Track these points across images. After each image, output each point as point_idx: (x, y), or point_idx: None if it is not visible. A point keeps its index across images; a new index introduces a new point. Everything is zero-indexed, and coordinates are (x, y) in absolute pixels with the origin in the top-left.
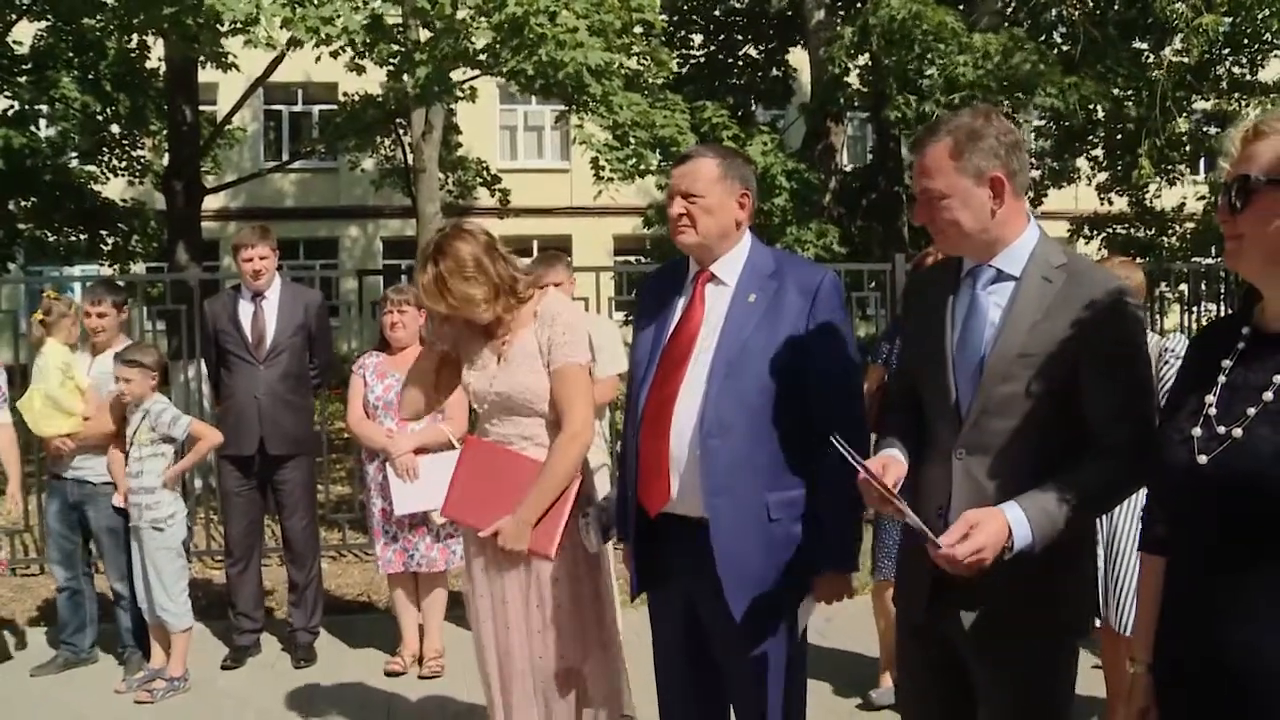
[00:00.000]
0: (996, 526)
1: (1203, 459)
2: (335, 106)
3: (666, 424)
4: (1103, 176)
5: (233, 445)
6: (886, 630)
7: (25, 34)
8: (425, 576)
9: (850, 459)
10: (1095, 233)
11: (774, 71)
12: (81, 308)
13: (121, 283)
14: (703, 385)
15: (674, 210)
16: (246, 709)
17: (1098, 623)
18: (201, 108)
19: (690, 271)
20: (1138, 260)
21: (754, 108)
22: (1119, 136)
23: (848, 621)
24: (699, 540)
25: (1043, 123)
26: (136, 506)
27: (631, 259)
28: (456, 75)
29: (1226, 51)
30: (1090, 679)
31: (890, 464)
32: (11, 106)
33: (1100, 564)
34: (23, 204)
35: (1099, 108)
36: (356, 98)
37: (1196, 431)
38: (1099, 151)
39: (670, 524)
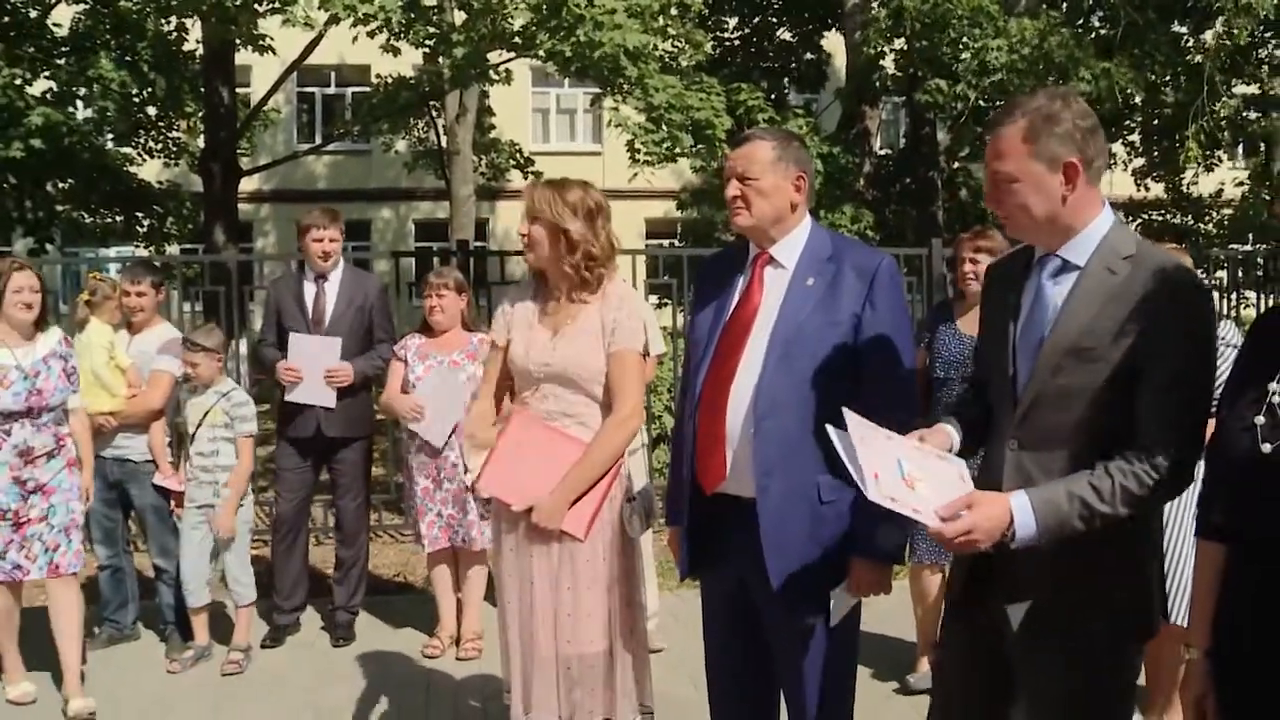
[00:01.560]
0: (994, 511)
1: (1267, 447)
2: (368, 89)
3: (723, 404)
4: (1139, 162)
5: (292, 427)
6: (924, 615)
7: (64, 16)
8: (465, 555)
9: (840, 450)
10: (1131, 219)
11: (808, 55)
12: (120, 288)
13: (158, 263)
14: (759, 366)
15: (729, 192)
16: (287, 686)
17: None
18: (236, 90)
19: (750, 254)
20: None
21: (787, 91)
22: (1155, 122)
23: (886, 605)
24: (751, 520)
25: None
26: (212, 484)
27: (664, 242)
28: (492, 57)
29: (1269, 35)
30: None
31: (929, 434)
32: (50, 88)
33: None
34: (60, 185)
35: (1136, 93)
36: (390, 80)
37: (1259, 420)
38: (1135, 137)
39: (724, 504)
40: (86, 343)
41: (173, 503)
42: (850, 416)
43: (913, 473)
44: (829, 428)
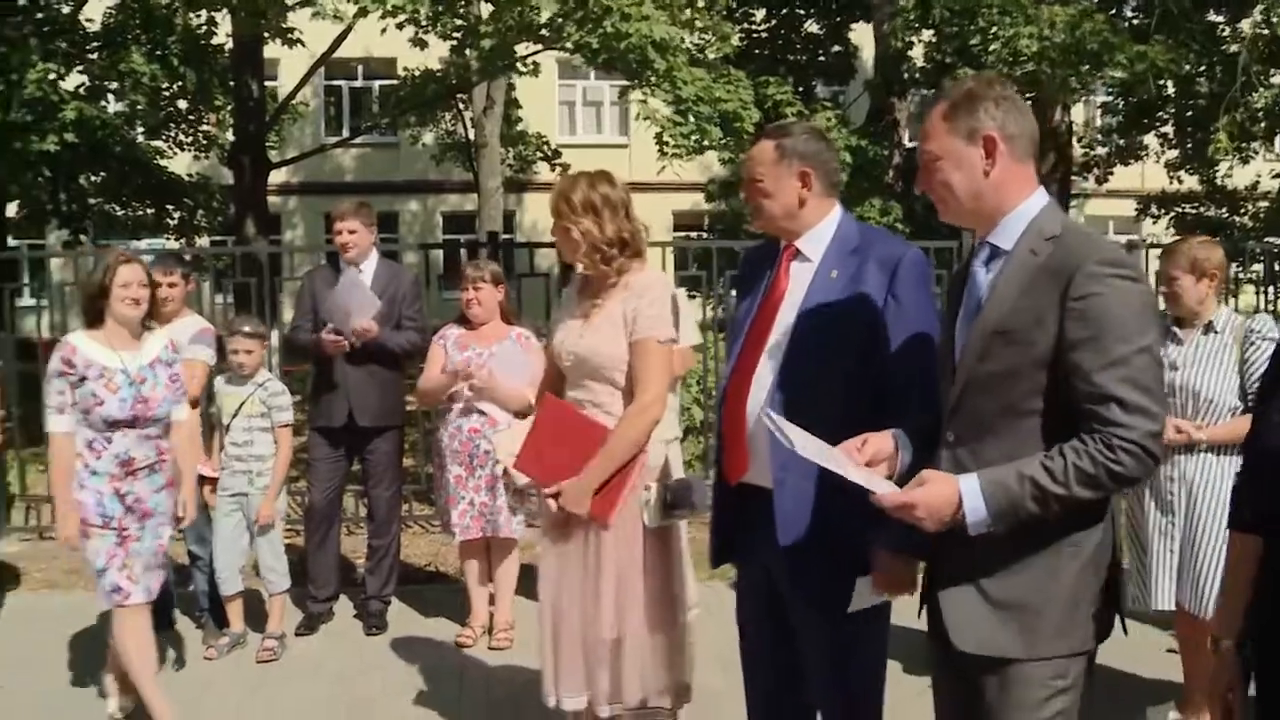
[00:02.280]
0: (942, 489)
1: None
2: (395, 82)
3: (745, 395)
4: (1172, 154)
5: (323, 417)
6: None
7: (96, 11)
8: (497, 545)
9: (778, 433)
10: (1163, 211)
11: (835, 47)
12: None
13: (188, 256)
14: (780, 358)
15: (744, 195)
16: (320, 674)
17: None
18: (265, 84)
19: (781, 246)
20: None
21: (814, 84)
22: (1189, 113)
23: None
24: (767, 512)
25: (1110, 98)
26: (246, 474)
27: (691, 234)
28: (520, 50)
29: None
30: (1165, 662)
31: (871, 437)
32: (83, 83)
33: (1176, 546)
34: (93, 178)
35: (1169, 83)
36: (417, 73)
37: None
38: (1169, 128)
39: (749, 494)
40: None
41: (206, 489)
42: (783, 422)
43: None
44: (764, 411)
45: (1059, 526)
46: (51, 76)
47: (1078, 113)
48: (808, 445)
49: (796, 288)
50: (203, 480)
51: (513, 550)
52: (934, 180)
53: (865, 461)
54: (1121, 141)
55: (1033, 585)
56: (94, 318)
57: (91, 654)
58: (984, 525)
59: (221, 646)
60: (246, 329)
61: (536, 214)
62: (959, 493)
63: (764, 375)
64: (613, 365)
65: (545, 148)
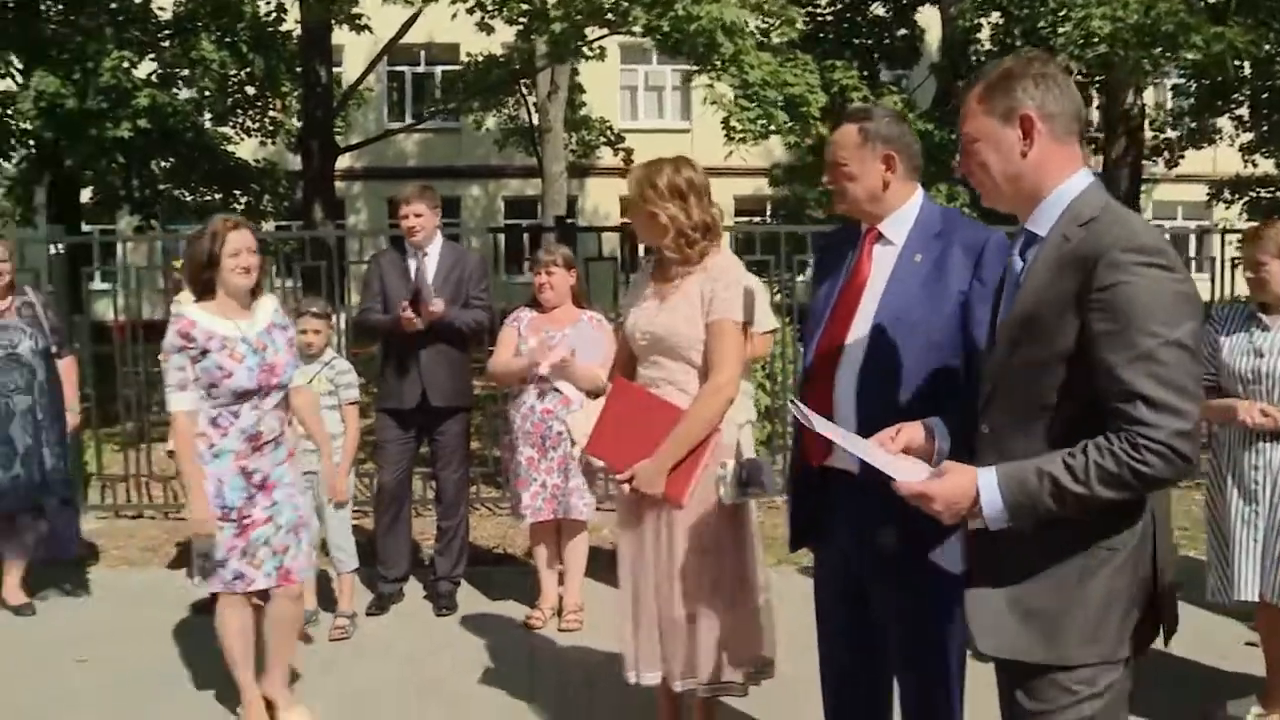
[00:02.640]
0: (959, 480)
1: None
2: (458, 67)
3: (830, 378)
4: (1247, 136)
5: (394, 399)
6: None
7: (167, 0)
8: (568, 527)
9: (804, 421)
10: (1237, 196)
11: (901, 31)
12: None
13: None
14: (865, 342)
15: (825, 178)
16: (391, 654)
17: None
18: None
19: (863, 230)
20: None
21: (879, 68)
22: (1265, 95)
23: None
24: (856, 494)
25: (1182, 80)
26: (315, 452)
27: (754, 219)
28: (589, 34)
29: None
30: (1246, 655)
31: (905, 427)
32: (155, 70)
33: (1260, 536)
34: (162, 164)
35: (1245, 64)
36: (480, 58)
37: None
38: (1244, 111)
39: (830, 477)
40: None
41: None
42: (809, 412)
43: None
44: (791, 400)
45: (1091, 529)
46: (125, 65)
47: (1147, 96)
48: (834, 434)
49: (880, 271)
50: None
51: (582, 532)
52: (972, 163)
53: (899, 450)
54: (1193, 124)
55: (1060, 589)
56: (203, 289)
57: (170, 629)
58: (1002, 520)
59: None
60: (314, 309)
61: (598, 199)
62: (977, 486)
63: (849, 359)
64: (689, 345)
65: (609, 132)
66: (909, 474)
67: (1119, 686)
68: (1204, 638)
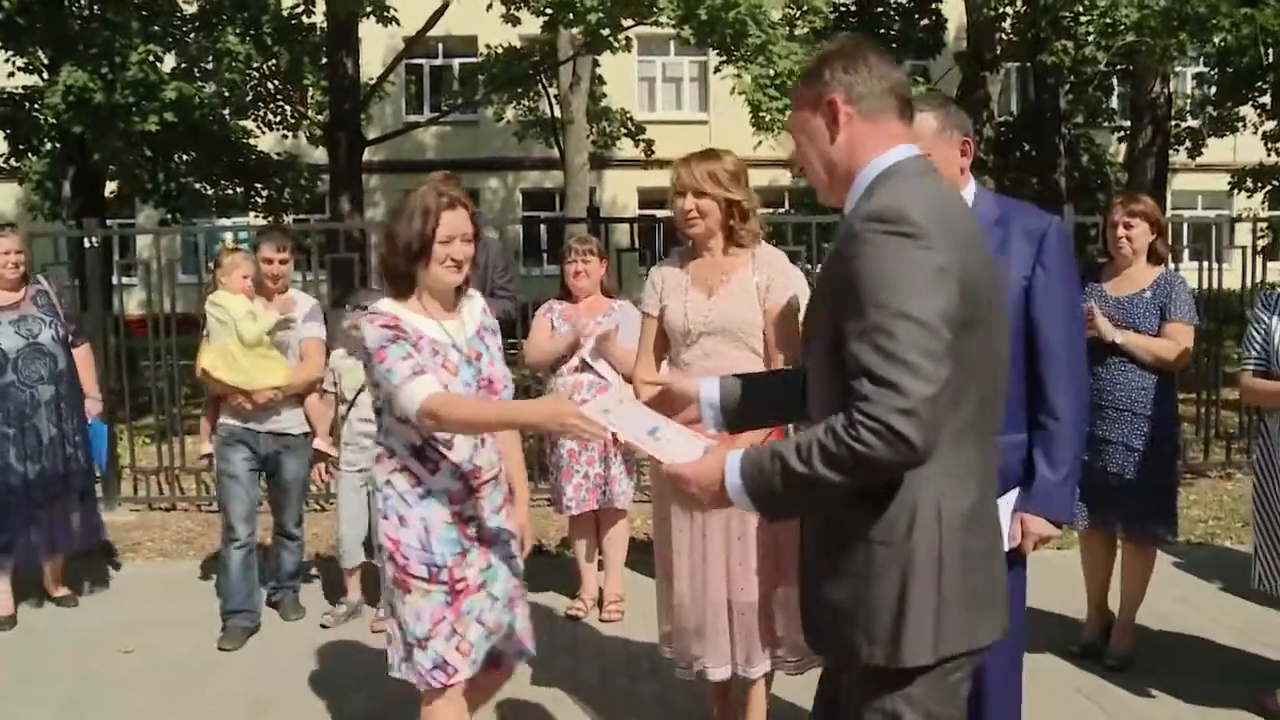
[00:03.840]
0: (710, 463)
1: None
2: (476, 60)
3: None
4: (1271, 124)
5: None
6: (1094, 580)
7: None
8: (607, 517)
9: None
10: (1260, 185)
11: (923, 21)
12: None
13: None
14: None
15: None
16: None
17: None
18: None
19: None
20: None
21: (900, 59)
22: None
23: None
24: None
25: (1205, 69)
26: (366, 451)
27: (771, 210)
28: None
29: None
30: None
31: (672, 389)
32: (180, 63)
33: None
34: (185, 158)
35: (1270, 51)
36: (499, 50)
37: None
38: (1267, 99)
39: None
40: (223, 316)
41: (323, 468)
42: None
43: (664, 433)
44: (586, 355)
45: (865, 523)
46: (152, 58)
47: (1170, 84)
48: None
49: None
50: (319, 456)
51: (622, 521)
52: (801, 160)
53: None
54: (1215, 113)
55: (853, 587)
56: (404, 284)
57: (210, 619)
58: (746, 503)
59: (339, 615)
60: (369, 304)
61: (616, 190)
62: (724, 467)
63: None
64: (751, 331)
65: (629, 123)
66: (685, 454)
67: (943, 691)
68: (1252, 626)
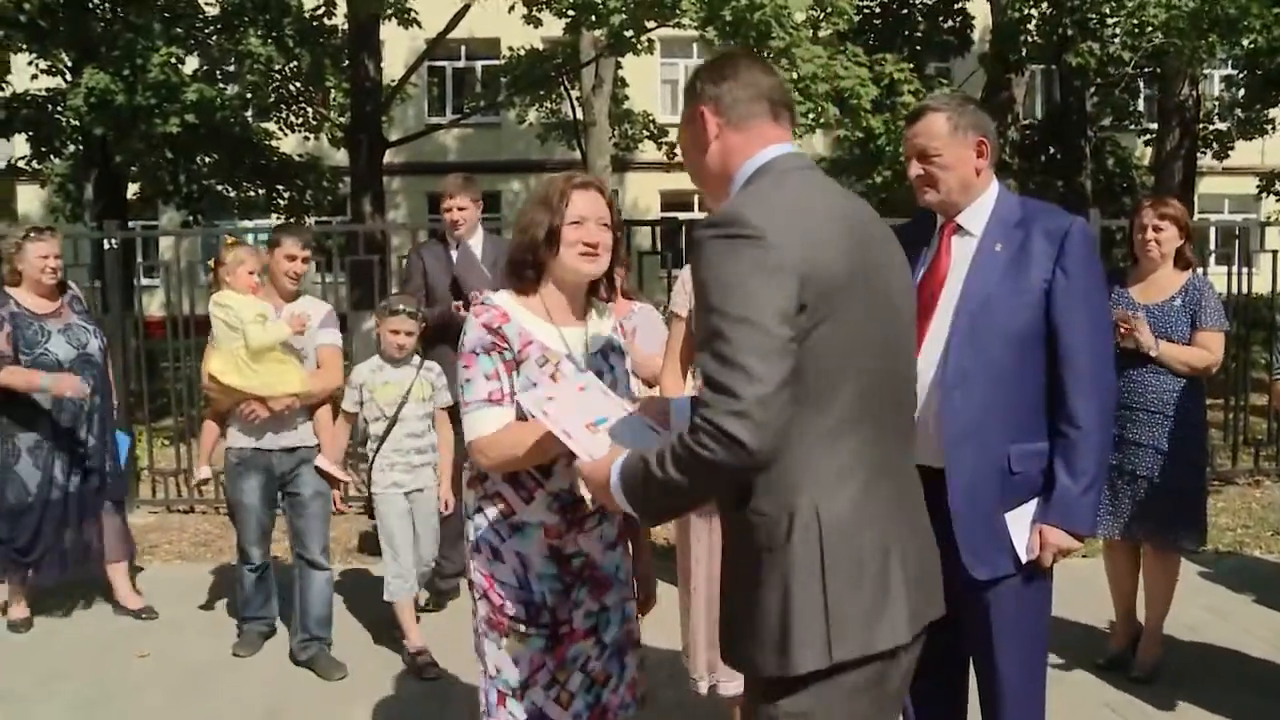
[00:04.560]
0: (604, 463)
1: None
2: (499, 62)
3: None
4: None
5: None
6: (1119, 591)
7: None
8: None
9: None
10: None
11: (949, 23)
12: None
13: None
14: (945, 336)
15: (913, 172)
16: (454, 651)
17: None
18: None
19: (937, 222)
20: None
21: (925, 61)
22: None
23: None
24: (935, 492)
25: (1234, 71)
26: (426, 465)
27: None
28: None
29: None
30: None
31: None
32: (201, 66)
33: None
34: (207, 159)
35: None
36: (521, 52)
37: None
38: None
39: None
40: (230, 319)
41: (336, 494)
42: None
43: (608, 425)
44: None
45: (747, 530)
46: (174, 60)
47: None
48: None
49: (959, 263)
50: (327, 479)
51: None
52: (688, 170)
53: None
54: (1244, 115)
55: (746, 597)
56: (528, 277)
57: (227, 623)
58: (627, 506)
59: (424, 664)
60: (405, 308)
61: (637, 192)
62: (610, 468)
63: (930, 353)
64: None
65: (652, 126)
66: (603, 451)
67: (837, 697)
68: None
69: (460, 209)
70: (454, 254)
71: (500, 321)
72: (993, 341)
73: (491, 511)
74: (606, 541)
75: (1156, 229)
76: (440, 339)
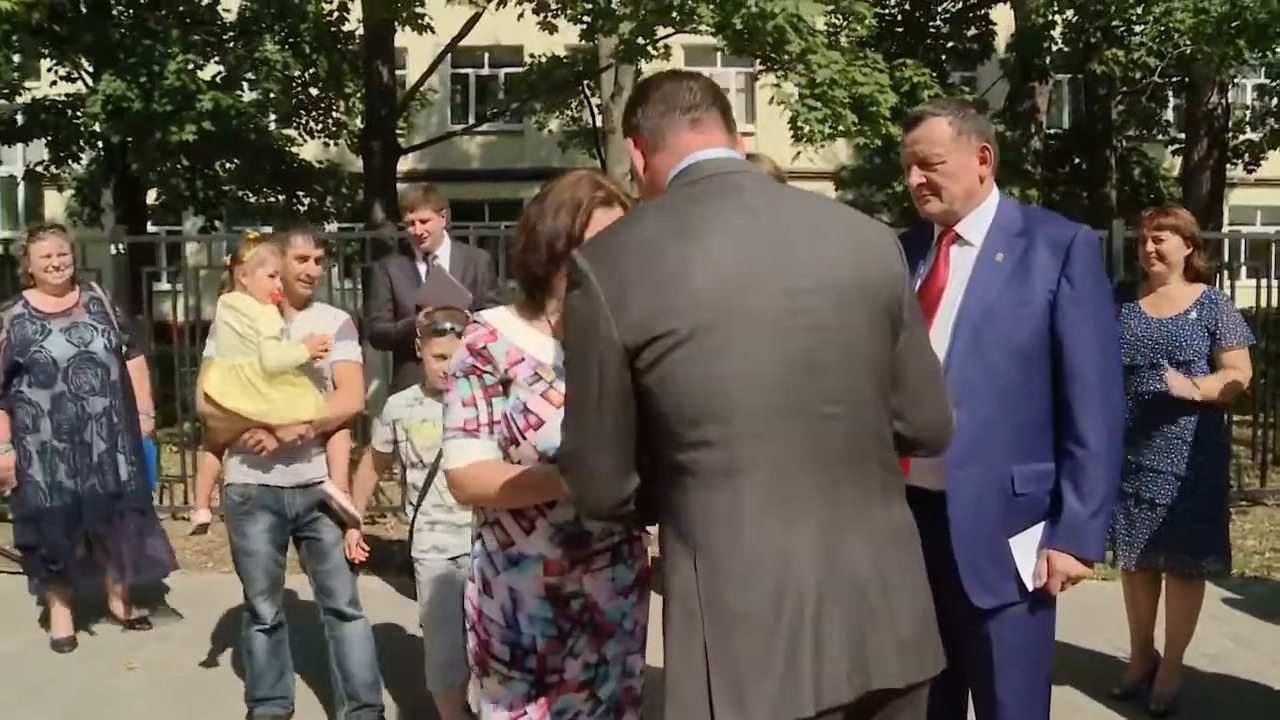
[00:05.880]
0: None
1: None
2: (522, 69)
3: None
4: None
5: None
6: (1138, 622)
7: (233, 1)
8: None
9: None
10: None
11: (971, 31)
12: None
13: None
14: (946, 350)
15: (913, 180)
16: None
17: None
18: (396, 70)
19: (935, 233)
20: None
21: (947, 68)
22: None
23: (1074, 616)
24: (937, 514)
25: (1266, 80)
26: (470, 525)
27: None
28: (656, 32)
29: None
30: None
31: None
32: (219, 72)
33: None
34: (226, 166)
35: None
36: (544, 59)
37: None
38: None
39: (910, 496)
40: (259, 326)
41: (351, 536)
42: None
43: None
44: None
45: (667, 579)
46: (190, 67)
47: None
48: None
49: (958, 274)
50: (333, 516)
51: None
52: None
53: None
54: (1276, 125)
55: (669, 648)
56: (535, 289)
57: (224, 633)
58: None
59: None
60: (453, 326)
61: None
62: None
63: None
64: None
65: None
66: None
67: None
68: None
69: (423, 221)
70: (421, 267)
71: (486, 341)
72: (996, 354)
73: (490, 540)
74: (619, 587)
75: (1156, 239)
76: (408, 355)
